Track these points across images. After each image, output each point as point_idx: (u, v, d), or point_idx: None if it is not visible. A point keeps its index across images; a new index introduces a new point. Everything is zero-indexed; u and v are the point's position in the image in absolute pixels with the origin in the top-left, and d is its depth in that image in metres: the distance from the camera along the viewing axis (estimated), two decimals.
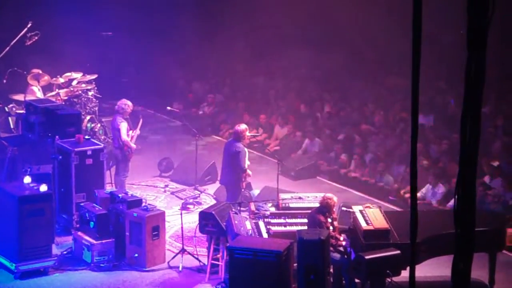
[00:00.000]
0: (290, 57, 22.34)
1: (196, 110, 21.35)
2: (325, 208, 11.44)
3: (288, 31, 22.14)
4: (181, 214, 13.09)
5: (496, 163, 15.61)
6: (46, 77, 18.01)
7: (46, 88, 18.18)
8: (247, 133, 13.78)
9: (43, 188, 12.12)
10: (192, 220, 13.82)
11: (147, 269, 12.40)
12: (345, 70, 21.51)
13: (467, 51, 4.51)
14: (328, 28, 21.86)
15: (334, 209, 11.63)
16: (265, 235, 11.53)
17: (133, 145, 14.86)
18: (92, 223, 12.65)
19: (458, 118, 4.62)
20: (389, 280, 10.52)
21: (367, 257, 10.48)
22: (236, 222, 11.33)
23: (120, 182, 14.86)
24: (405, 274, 10.39)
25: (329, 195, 11.76)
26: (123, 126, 14.71)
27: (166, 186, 16.44)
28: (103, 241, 12.54)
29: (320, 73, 22.13)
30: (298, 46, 21.65)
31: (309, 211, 11.83)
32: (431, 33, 17.55)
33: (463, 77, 4.56)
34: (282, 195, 12.92)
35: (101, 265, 12.43)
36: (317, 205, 11.80)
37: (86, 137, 14.48)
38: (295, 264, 10.70)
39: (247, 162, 13.64)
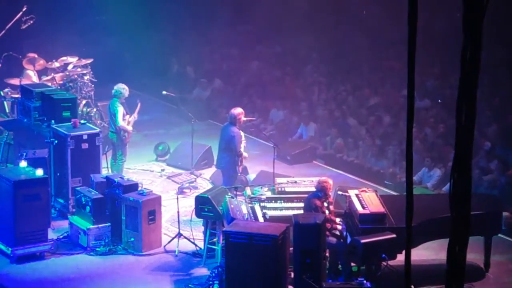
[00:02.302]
0: (286, 42, 22.35)
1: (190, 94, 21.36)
2: (320, 192, 11.44)
3: (285, 16, 22.09)
4: (177, 198, 13.10)
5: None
6: (42, 61, 17.94)
7: (41, 73, 18.13)
8: (243, 117, 13.76)
9: (39, 172, 12.12)
10: (188, 204, 13.82)
11: (143, 253, 12.42)
12: (341, 54, 21.52)
13: (462, 35, 4.50)
14: (326, 11, 21.83)
15: (330, 193, 11.62)
16: (261, 219, 11.54)
17: (129, 129, 14.84)
18: (88, 207, 12.65)
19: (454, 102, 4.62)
20: (385, 264, 10.54)
21: (363, 241, 10.50)
22: (232, 206, 11.34)
23: (117, 167, 14.86)
24: (400, 258, 10.41)
25: (323, 178, 11.75)
26: (119, 110, 14.68)
27: (162, 170, 16.45)
28: (100, 225, 12.55)
29: (316, 57, 22.11)
30: (295, 31, 21.63)
31: (305, 195, 11.83)
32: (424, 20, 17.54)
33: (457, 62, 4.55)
34: (278, 179, 12.92)
35: (97, 249, 12.45)
36: (313, 189, 11.81)
37: (82, 121, 14.47)
38: (291, 248, 10.71)
39: (243, 146, 13.63)
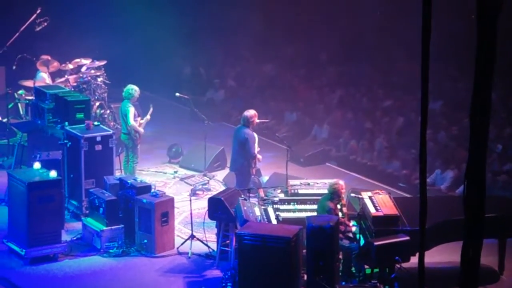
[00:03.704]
0: (299, 44, 22.33)
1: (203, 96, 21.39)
2: (333, 194, 11.42)
3: (298, 17, 22.10)
4: (190, 200, 13.10)
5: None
6: (55, 63, 18.03)
7: (55, 74, 18.19)
8: (256, 119, 13.74)
9: (53, 174, 12.14)
10: (201, 206, 13.82)
11: (156, 255, 12.42)
12: (354, 56, 21.48)
13: (477, 38, 4.48)
14: (339, 12, 21.81)
15: (342, 194, 11.58)
16: (274, 221, 11.52)
17: (141, 130, 14.86)
18: (101, 209, 12.67)
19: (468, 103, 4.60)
20: (399, 266, 10.51)
21: (376, 243, 10.48)
22: (245, 208, 11.33)
23: (129, 169, 14.88)
24: (414, 260, 10.37)
25: (334, 180, 11.73)
26: (130, 111, 14.71)
27: (176, 172, 16.47)
28: (113, 227, 12.57)
29: (329, 59, 22.08)
30: (308, 32, 21.62)
31: (318, 198, 11.81)
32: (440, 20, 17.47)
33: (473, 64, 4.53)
34: (291, 181, 12.90)
35: (111, 251, 12.47)
36: (326, 191, 11.78)
37: (96, 123, 14.50)
38: (304, 251, 10.69)
39: (257, 148, 13.61)
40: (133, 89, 14.85)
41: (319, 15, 22.16)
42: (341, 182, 11.62)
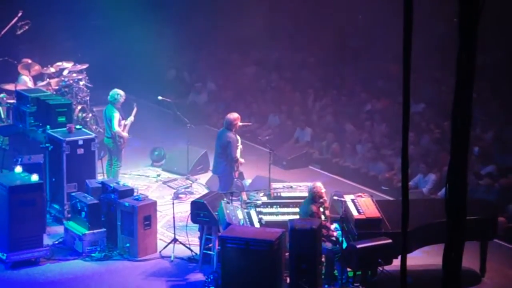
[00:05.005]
0: (281, 47, 22.33)
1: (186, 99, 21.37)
2: (314, 197, 11.42)
3: (278, 21, 22.13)
4: (173, 203, 13.08)
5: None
6: (37, 67, 17.94)
7: (37, 78, 18.11)
8: (239, 123, 13.74)
9: (34, 178, 12.08)
10: (184, 209, 13.80)
11: (138, 259, 12.39)
12: (338, 59, 21.52)
13: (459, 39, 4.50)
14: (319, 16, 21.86)
15: (323, 195, 11.56)
16: (256, 225, 11.52)
17: (125, 135, 14.82)
18: (83, 213, 12.62)
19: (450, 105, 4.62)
20: (381, 269, 10.54)
21: (358, 246, 10.50)
22: (228, 211, 11.32)
23: (112, 173, 14.84)
24: (396, 263, 10.40)
25: (311, 183, 11.73)
26: (115, 116, 14.66)
27: (158, 175, 16.43)
28: (95, 231, 12.52)
29: (312, 62, 22.11)
30: (290, 35, 21.63)
31: (301, 201, 11.82)
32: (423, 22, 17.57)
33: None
34: (273, 185, 12.91)
35: (93, 255, 12.42)
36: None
37: (78, 126, 14.45)
38: (287, 254, 10.70)
39: (239, 151, 13.60)
40: (118, 94, 14.79)
41: (303, 18, 22.19)
42: (319, 184, 11.62)
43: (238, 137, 13.72)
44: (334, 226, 11.45)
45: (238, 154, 13.52)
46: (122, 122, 14.87)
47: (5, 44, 18.25)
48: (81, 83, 17.51)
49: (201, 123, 19.69)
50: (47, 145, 13.82)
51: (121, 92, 14.86)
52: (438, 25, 19.79)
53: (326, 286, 10.87)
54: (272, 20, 22.15)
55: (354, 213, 11.09)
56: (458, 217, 4.69)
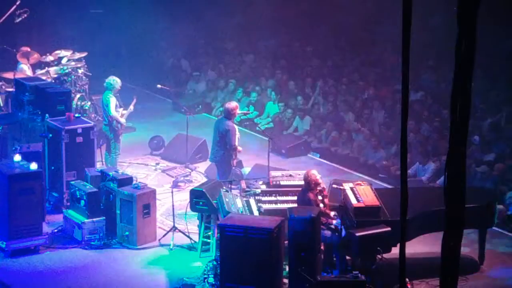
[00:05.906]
0: (280, 36, 22.28)
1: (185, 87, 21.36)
2: (309, 184, 11.41)
3: (277, 9, 22.07)
4: (172, 192, 13.09)
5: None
6: (36, 55, 17.91)
7: (35, 66, 18.08)
8: (238, 111, 13.74)
9: (33, 166, 12.08)
10: (183, 198, 13.81)
11: (138, 247, 12.40)
12: (336, 47, 21.49)
13: (458, 27, 4.49)
14: (321, 4, 21.81)
15: (319, 182, 11.53)
16: (256, 213, 11.53)
17: (122, 120, 14.83)
18: (82, 201, 12.63)
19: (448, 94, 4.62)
20: (380, 257, 10.55)
21: (357, 234, 10.50)
22: (227, 200, 11.33)
23: (111, 161, 14.85)
24: (395, 251, 10.40)
25: (305, 172, 11.72)
26: (111, 101, 14.67)
27: (157, 164, 16.43)
28: (94, 219, 12.54)
29: (311, 50, 22.08)
30: (290, 24, 21.58)
31: (300, 189, 11.82)
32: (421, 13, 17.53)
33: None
34: (272, 173, 12.91)
35: (92, 243, 12.44)
36: None
37: (76, 115, 14.45)
38: (286, 242, 10.71)
39: (237, 138, 13.59)
40: (115, 80, 14.83)
41: (301, 7, 22.14)
42: (313, 172, 11.59)
43: (237, 126, 13.72)
44: (333, 214, 11.46)
45: (236, 142, 13.51)
46: (120, 109, 14.89)
47: (4, 32, 18.23)
48: (80, 71, 17.50)
49: (200, 112, 19.68)
50: (46, 133, 13.82)
51: (117, 79, 14.90)
52: (436, 13, 19.75)
53: (324, 274, 10.88)
54: (272, 8, 22.08)
55: (353, 201, 11.09)
56: (457, 205, 4.70)
